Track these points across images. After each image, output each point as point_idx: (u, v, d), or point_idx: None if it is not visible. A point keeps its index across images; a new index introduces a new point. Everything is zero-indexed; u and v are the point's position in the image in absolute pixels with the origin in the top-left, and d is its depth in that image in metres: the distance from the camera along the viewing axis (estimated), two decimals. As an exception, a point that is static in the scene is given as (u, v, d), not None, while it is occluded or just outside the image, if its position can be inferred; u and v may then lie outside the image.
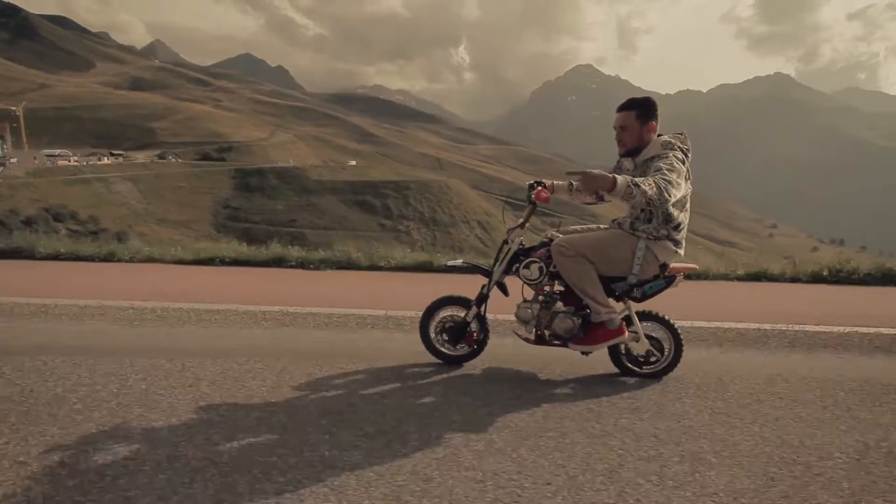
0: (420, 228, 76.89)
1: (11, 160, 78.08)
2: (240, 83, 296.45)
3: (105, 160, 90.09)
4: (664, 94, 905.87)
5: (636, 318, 3.04)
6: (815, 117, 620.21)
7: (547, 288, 3.06)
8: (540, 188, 3.09)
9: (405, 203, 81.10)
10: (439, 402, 2.69)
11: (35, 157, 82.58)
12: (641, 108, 2.99)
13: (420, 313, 3.30)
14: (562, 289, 3.08)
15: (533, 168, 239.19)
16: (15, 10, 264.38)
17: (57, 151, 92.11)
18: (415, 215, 79.61)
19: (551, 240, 3.05)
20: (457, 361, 3.25)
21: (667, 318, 3.10)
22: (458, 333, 3.19)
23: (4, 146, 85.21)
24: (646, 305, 3.14)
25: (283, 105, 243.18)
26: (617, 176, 2.54)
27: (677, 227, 2.92)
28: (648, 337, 3.09)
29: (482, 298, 3.16)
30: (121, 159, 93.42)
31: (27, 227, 45.99)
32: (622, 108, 3.01)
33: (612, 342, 2.96)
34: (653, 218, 2.91)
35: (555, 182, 3.29)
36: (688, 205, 3.00)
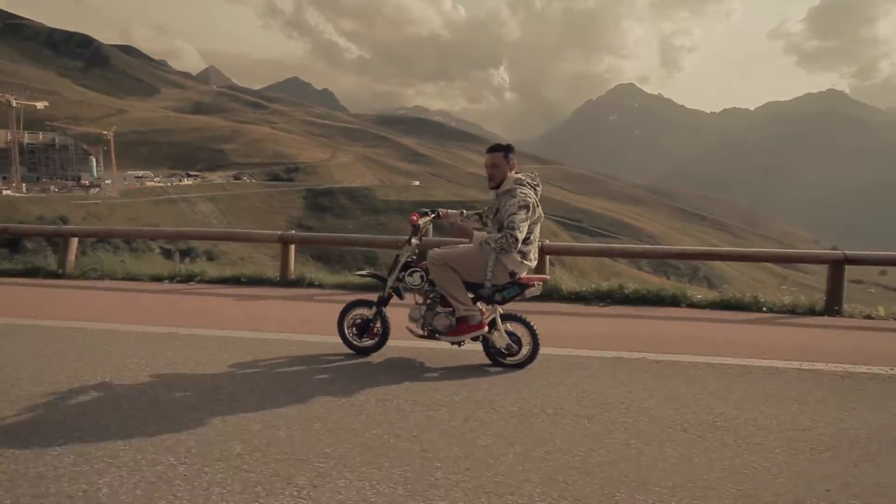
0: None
1: (106, 181, 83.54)
2: (292, 106, 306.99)
3: (186, 181, 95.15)
4: (709, 112, 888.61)
5: (499, 319, 3.81)
6: (871, 135, 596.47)
7: (430, 293, 3.81)
8: (413, 214, 3.98)
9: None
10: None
11: (125, 179, 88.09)
12: (507, 151, 3.85)
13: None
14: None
15: (580, 187, 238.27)
16: (89, 40, 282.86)
17: (140, 173, 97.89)
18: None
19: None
20: (364, 352, 4.05)
21: (527, 319, 3.87)
22: (364, 328, 4.02)
23: (98, 168, 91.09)
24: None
25: (333, 126, 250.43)
26: (476, 234, 3.64)
27: (524, 242, 3.67)
28: (510, 334, 3.84)
29: (381, 301, 3.98)
30: (199, 180, 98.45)
31: (128, 246, 49.23)
32: (492, 150, 3.86)
33: (473, 334, 3.73)
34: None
35: (449, 211, 4.24)
36: (536, 227, 3.76)
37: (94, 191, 79.69)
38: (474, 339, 3.79)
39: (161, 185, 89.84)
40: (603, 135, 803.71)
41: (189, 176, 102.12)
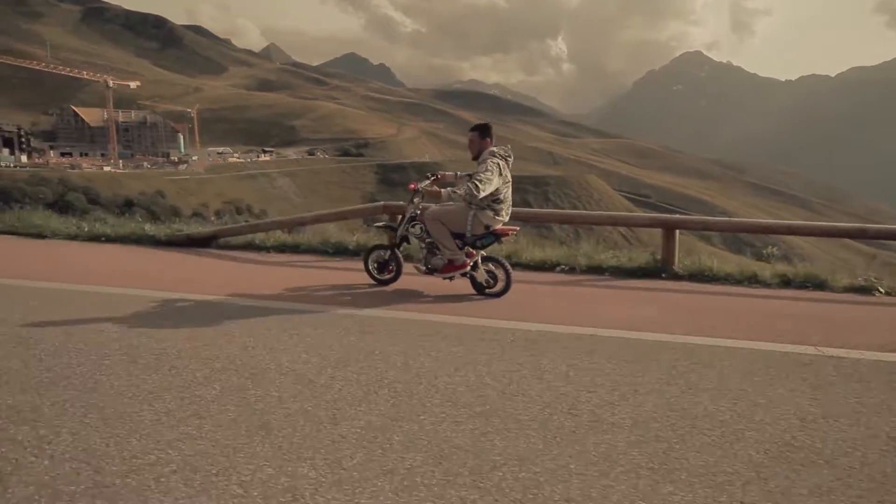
0: (563, 225, 77.11)
1: (193, 158, 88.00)
2: (352, 82, 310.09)
3: (263, 157, 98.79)
4: (783, 80, 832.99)
5: (480, 261, 4.83)
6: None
7: (428, 240, 4.83)
8: (412, 182, 5.04)
9: (545, 199, 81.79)
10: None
11: (209, 155, 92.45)
12: (482, 130, 4.94)
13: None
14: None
15: (644, 162, 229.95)
16: (163, 21, 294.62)
17: (220, 149, 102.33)
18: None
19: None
20: (383, 283, 5.15)
21: (502, 260, 4.89)
22: (383, 266, 5.18)
23: (185, 145, 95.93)
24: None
25: (393, 101, 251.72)
26: (443, 192, 4.60)
27: (495, 201, 4.67)
28: (490, 272, 4.85)
29: (394, 245, 5.12)
30: (274, 156, 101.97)
31: (220, 219, 51.94)
32: (473, 130, 4.98)
33: (458, 272, 4.78)
34: (483, 198, 4.59)
35: (446, 173, 5.20)
36: (506, 189, 4.75)
37: (182, 167, 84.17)
38: (463, 275, 4.85)
39: (241, 160, 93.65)
40: (666, 107, 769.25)
41: (265, 152, 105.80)
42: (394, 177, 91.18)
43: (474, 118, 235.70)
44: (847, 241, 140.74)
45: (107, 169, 77.69)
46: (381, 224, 5.80)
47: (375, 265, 5.23)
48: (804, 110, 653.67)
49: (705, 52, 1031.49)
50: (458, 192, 4.56)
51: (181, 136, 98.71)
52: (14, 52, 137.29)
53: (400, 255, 5.15)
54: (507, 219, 4.88)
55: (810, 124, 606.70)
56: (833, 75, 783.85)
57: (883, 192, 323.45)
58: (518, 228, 5.06)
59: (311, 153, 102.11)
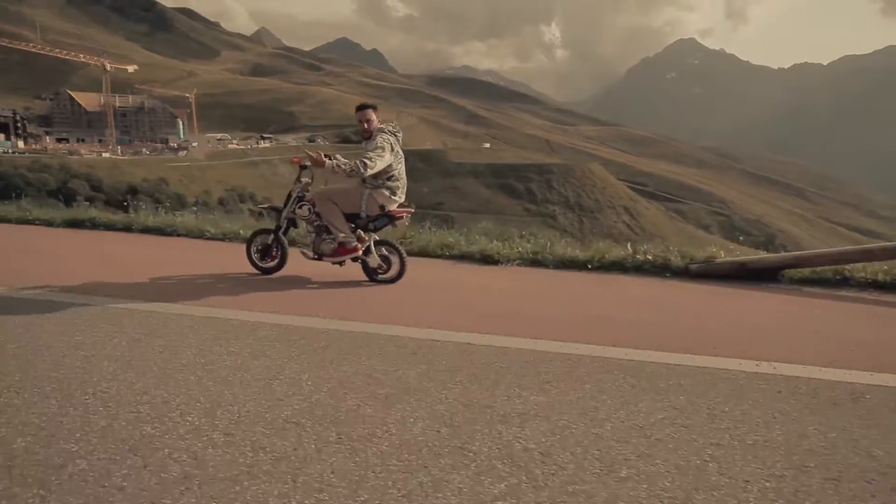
0: (566, 213, 77.27)
1: (193, 144, 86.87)
2: (345, 67, 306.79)
3: (263, 143, 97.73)
4: (776, 68, 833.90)
5: (373, 245, 4.52)
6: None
7: (317, 222, 4.50)
8: (295, 157, 4.74)
9: (549, 187, 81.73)
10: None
11: (208, 141, 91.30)
12: (370, 107, 4.61)
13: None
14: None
15: (639, 149, 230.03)
16: (152, 3, 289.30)
17: (219, 135, 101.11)
18: (560, 200, 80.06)
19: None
20: (267, 272, 4.75)
21: (397, 244, 4.63)
22: (265, 252, 4.76)
23: (184, 131, 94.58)
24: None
25: (388, 87, 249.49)
26: (327, 162, 4.30)
27: (390, 179, 4.46)
28: (383, 257, 4.56)
29: (278, 229, 4.69)
30: (274, 142, 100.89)
31: (223, 208, 51.50)
32: (361, 109, 4.63)
33: (349, 256, 4.47)
34: (377, 176, 4.42)
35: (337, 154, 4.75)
36: (399, 166, 4.53)
37: (182, 153, 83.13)
38: (354, 259, 4.54)
39: (240, 147, 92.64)
40: (660, 94, 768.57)
41: (264, 138, 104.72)
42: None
43: (470, 105, 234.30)
44: (841, 230, 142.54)
45: (106, 155, 76.59)
46: (264, 206, 5.39)
47: (258, 252, 4.81)
48: (797, 99, 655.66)
49: (699, 40, 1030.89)
50: (343, 166, 4.29)
51: (180, 122, 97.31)
52: (3, 33, 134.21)
53: (285, 240, 4.73)
54: (402, 199, 4.62)
55: (803, 113, 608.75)
56: (826, 64, 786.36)
57: (876, 182, 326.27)
58: (413, 210, 4.76)
59: (311, 139, 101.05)
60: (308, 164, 4.54)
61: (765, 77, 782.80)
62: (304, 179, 4.67)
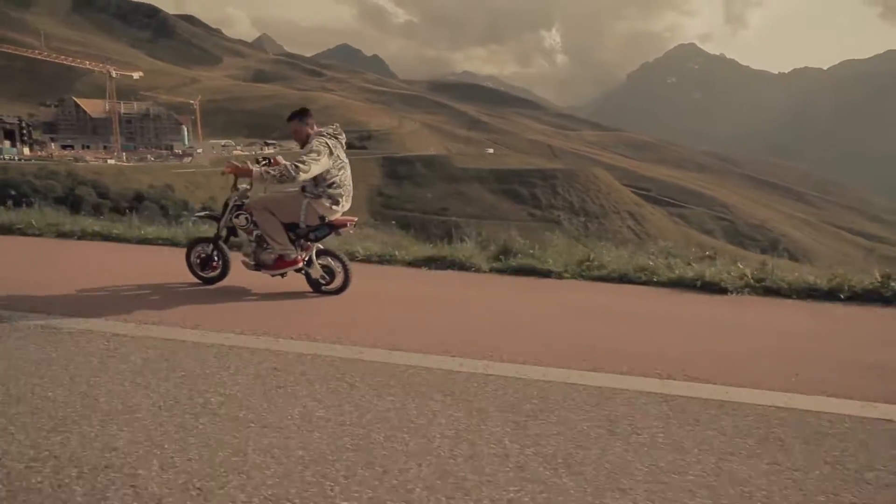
0: (571, 219, 77.27)
1: (198, 150, 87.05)
2: (347, 73, 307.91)
3: (267, 149, 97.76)
4: (776, 73, 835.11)
5: (314, 256, 4.35)
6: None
7: (256, 231, 4.29)
8: (227, 165, 4.38)
9: (553, 192, 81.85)
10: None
11: (213, 147, 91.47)
12: (300, 116, 4.42)
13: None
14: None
15: (641, 154, 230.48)
16: (155, 11, 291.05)
17: (223, 142, 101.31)
18: (564, 205, 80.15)
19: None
20: (209, 282, 4.56)
21: (340, 254, 4.47)
22: (206, 262, 4.53)
23: (188, 137, 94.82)
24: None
25: (390, 93, 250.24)
26: (254, 168, 4.15)
27: (331, 186, 4.23)
28: (326, 268, 4.38)
29: (217, 238, 4.48)
30: (278, 148, 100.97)
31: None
32: (290, 119, 4.46)
33: (288, 269, 4.30)
34: (318, 184, 4.22)
35: (278, 158, 4.62)
36: (341, 173, 4.31)
37: (186, 159, 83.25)
38: (297, 271, 4.35)
39: (244, 153, 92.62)
40: (660, 99, 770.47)
41: (268, 144, 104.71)
42: (400, 169, 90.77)
43: (472, 110, 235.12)
44: (845, 234, 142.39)
45: (111, 162, 76.74)
46: (202, 213, 5.15)
47: (198, 261, 4.57)
48: (797, 103, 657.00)
49: (699, 45, 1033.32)
50: (272, 171, 4.05)
51: (185, 129, 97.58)
52: (6, 40, 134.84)
53: (225, 250, 4.52)
54: (347, 206, 4.40)
55: (803, 117, 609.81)
56: (826, 68, 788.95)
57: (879, 186, 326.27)
58: (357, 219, 4.58)
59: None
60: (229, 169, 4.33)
61: (765, 82, 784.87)
62: (242, 186, 4.39)
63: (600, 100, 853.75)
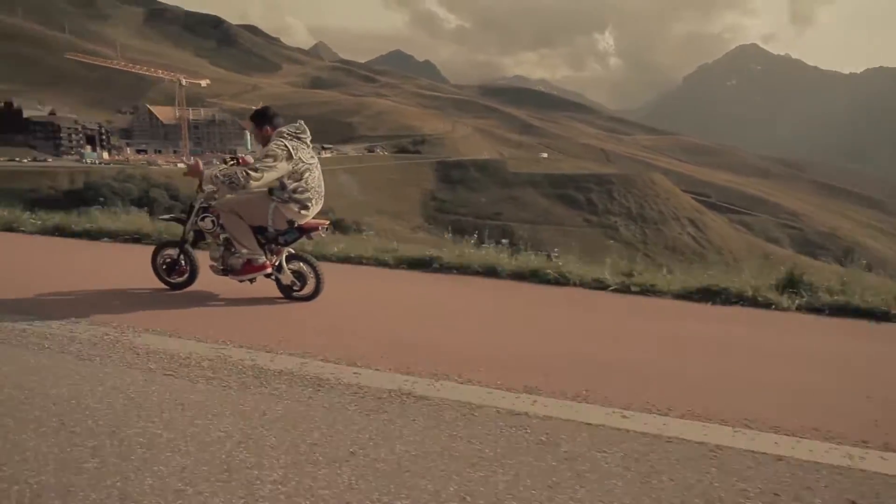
0: (628, 225, 75.45)
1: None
2: (400, 78, 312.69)
3: (324, 153, 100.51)
4: (847, 73, 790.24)
5: (284, 261, 4.15)
6: None
7: (223, 235, 4.06)
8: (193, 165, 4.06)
9: (609, 198, 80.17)
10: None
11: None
12: (257, 119, 4.18)
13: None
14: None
15: (699, 159, 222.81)
16: (219, 21, 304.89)
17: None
18: (621, 211, 78.38)
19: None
20: (176, 287, 4.37)
21: (311, 259, 4.20)
22: (172, 267, 4.33)
23: (251, 142, 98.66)
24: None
25: (443, 98, 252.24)
26: (206, 172, 3.83)
27: (296, 191, 3.95)
28: (297, 273, 4.17)
29: (184, 242, 4.25)
30: (334, 152, 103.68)
31: None
32: (251, 119, 4.23)
33: (256, 274, 4.07)
34: (284, 187, 3.94)
35: (245, 158, 4.39)
36: (307, 175, 3.99)
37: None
38: (267, 276, 4.13)
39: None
40: (718, 102, 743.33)
41: (324, 148, 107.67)
42: (454, 174, 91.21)
43: (523, 115, 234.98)
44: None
45: (180, 165, 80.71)
46: (167, 217, 4.92)
47: (164, 265, 4.37)
48: (870, 105, 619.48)
49: (762, 45, 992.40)
50: (220, 176, 3.73)
51: (248, 134, 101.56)
52: (86, 51, 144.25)
53: (193, 254, 4.30)
54: (318, 208, 4.13)
55: (878, 120, 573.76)
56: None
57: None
58: (328, 222, 4.31)
59: (370, 150, 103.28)
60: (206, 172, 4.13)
61: (835, 82, 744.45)
62: (208, 187, 4.07)
63: (655, 103, 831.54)
